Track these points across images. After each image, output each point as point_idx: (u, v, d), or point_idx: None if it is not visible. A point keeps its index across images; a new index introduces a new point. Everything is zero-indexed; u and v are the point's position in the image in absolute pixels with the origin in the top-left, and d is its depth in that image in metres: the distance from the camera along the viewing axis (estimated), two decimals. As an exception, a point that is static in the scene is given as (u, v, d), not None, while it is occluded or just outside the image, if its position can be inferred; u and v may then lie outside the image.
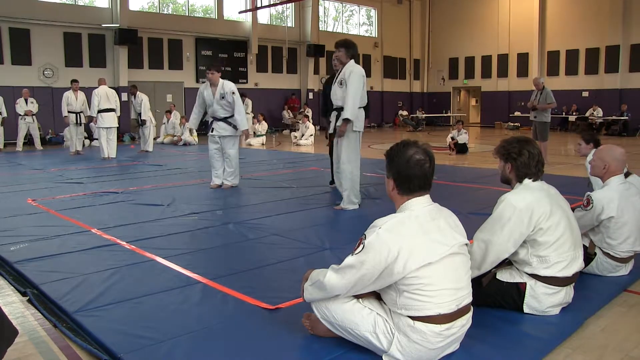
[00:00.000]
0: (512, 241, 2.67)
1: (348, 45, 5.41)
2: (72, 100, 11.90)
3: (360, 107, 5.39)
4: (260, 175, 8.29)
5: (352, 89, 5.24)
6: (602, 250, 3.33)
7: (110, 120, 11.15)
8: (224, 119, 6.89)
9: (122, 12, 16.21)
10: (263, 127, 15.41)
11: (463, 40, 23.55)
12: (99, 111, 11.02)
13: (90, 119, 11.80)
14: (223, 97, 6.77)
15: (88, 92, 11.92)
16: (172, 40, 17.84)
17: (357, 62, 5.52)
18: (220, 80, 6.82)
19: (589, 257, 3.32)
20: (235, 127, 6.91)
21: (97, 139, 14.75)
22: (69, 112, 11.90)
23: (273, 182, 7.48)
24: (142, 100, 12.31)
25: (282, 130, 19.94)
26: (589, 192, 3.36)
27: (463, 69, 24.02)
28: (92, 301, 2.98)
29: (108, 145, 11.14)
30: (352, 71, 5.30)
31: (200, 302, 3.00)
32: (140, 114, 12.37)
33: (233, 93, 6.79)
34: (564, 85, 19.84)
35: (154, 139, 13.39)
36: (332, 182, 6.90)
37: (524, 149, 2.77)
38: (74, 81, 12.11)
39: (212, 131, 6.94)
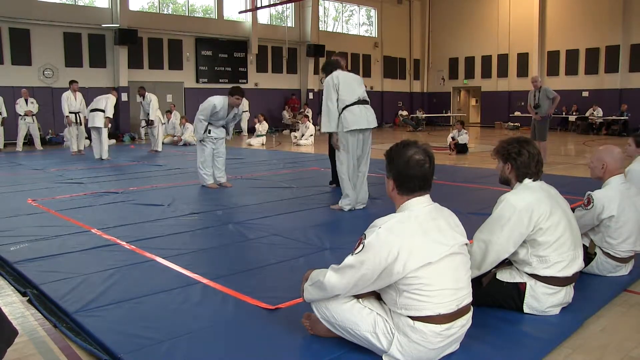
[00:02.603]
0: (512, 241, 2.67)
1: (322, 68, 5.68)
2: (72, 101, 11.96)
3: (350, 105, 5.28)
4: (260, 175, 8.28)
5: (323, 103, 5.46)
6: (602, 250, 3.32)
7: (98, 120, 10.86)
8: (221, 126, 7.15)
9: (122, 12, 16.21)
10: (263, 127, 15.39)
11: (463, 40, 23.55)
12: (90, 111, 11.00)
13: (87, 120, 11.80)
14: (234, 117, 7.13)
15: (89, 93, 11.97)
16: (172, 40, 17.84)
17: (341, 67, 5.53)
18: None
19: (589, 257, 3.32)
20: (228, 132, 7.31)
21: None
22: (69, 112, 11.95)
23: (273, 182, 7.48)
24: (151, 101, 12.34)
25: (282, 130, 19.94)
26: (589, 192, 3.36)
27: (463, 69, 24.02)
28: (92, 301, 2.98)
29: (101, 146, 10.91)
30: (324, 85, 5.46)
31: (200, 302, 3.00)
32: (148, 115, 12.40)
33: (244, 112, 7.18)
34: (564, 85, 19.83)
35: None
36: (332, 182, 6.91)
37: (524, 149, 2.77)
38: (73, 82, 12.15)
39: (209, 132, 7.02)
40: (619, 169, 3.39)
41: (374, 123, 5.42)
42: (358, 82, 5.44)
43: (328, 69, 5.50)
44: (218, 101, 6.86)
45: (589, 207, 3.28)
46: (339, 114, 5.27)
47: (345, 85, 5.29)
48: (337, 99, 5.26)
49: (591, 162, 3.47)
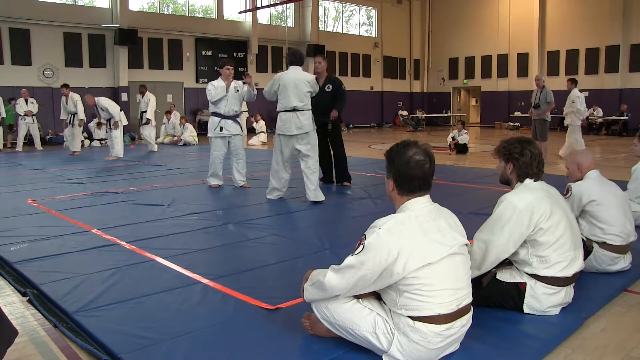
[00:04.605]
0: (512, 241, 2.67)
1: (287, 54, 6.01)
2: (64, 104, 11.93)
3: (281, 112, 5.80)
4: (260, 175, 8.27)
5: None
6: (597, 243, 3.34)
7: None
8: (234, 117, 6.97)
9: (122, 12, 16.21)
10: (260, 125, 15.41)
11: (463, 40, 23.55)
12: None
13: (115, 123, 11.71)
14: (237, 90, 6.98)
15: (89, 93, 11.96)
16: (172, 40, 17.84)
17: (299, 63, 5.86)
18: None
19: (587, 250, 3.31)
20: (241, 127, 7.12)
21: (96, 139, 14.79)
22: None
23: (273, 182, 7.45)
24: (150, 100, 12.41)
25: (282, 130, 19.92)
26: (570, 183, 3.50)
27: (463, 69, 24.02)
28: (92, 301, 2.98)
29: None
30: None
31: (200, 302, 3.00)
32: (143, 112, 12.43)
33: (243, 111, 7.05)
34: (564, 85, 19.68)
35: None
36: (321, 177, 6.92)
37: (526, 149, 2.77)
38: (63, 86, 12.01)
39: (221, 130, 6.89)
40: (593, 165, 3.55)
41: (305, 129, 5.76)
42: (296, 91, 5.68)
43: (287, 59, 5.87)
44: (212, 81, 6.95)
45: (567, 196, 3.39)
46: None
47: (284, 92, 5.73)
48: (276, 98, 5.83)
49: (567, 169, 3.63)
